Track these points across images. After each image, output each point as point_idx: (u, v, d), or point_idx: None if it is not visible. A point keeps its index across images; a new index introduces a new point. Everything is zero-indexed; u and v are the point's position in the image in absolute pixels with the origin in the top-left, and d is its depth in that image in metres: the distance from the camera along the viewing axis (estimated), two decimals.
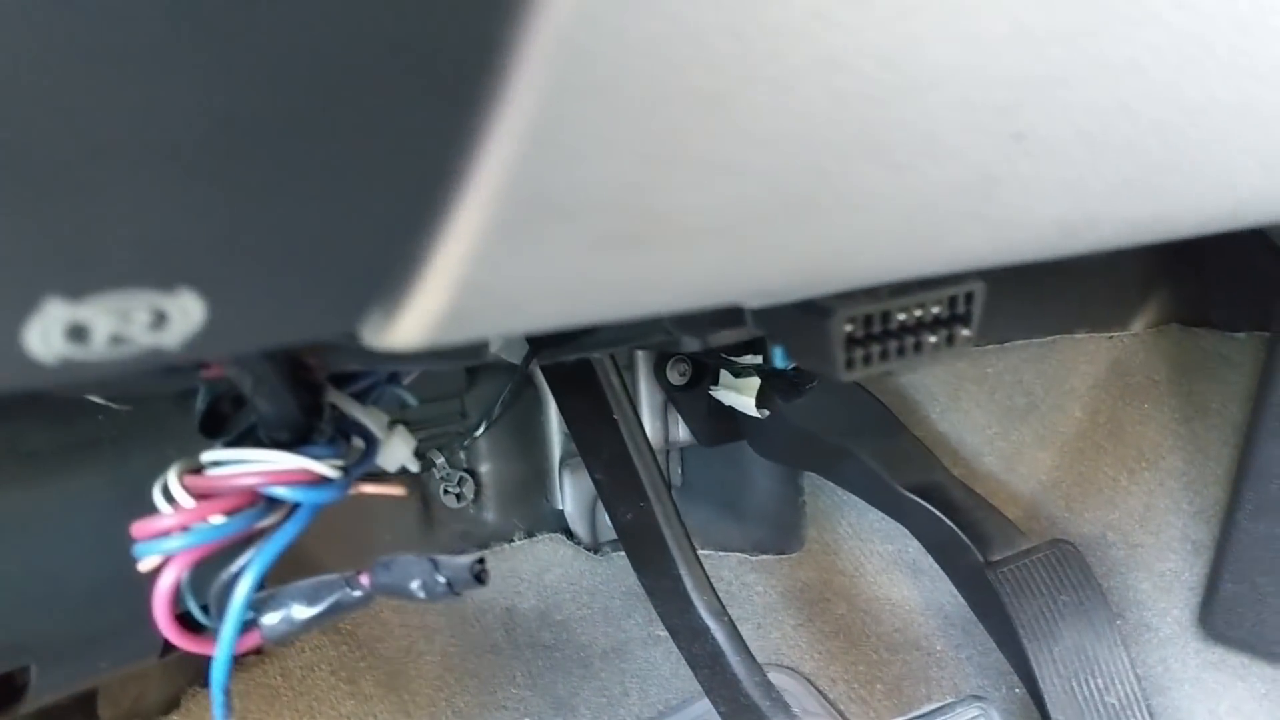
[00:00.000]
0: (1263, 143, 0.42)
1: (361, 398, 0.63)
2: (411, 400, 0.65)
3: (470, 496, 1.29)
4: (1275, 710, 1.17)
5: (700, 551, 1.02)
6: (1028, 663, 1.08)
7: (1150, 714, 1.09)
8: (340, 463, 0.57)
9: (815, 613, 1.30)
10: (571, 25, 0.26)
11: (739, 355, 1.10)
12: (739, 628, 0.99)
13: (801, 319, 0.53)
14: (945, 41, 0.30)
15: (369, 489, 0.61)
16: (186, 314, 0.29)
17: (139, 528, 0.55)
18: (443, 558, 0.61)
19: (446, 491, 1.28)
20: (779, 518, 1.35)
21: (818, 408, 1.18)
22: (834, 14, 0.27)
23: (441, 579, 0.60)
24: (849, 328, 0.52)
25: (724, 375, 1.14)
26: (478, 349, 0.60)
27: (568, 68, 0.26)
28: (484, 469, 1.31)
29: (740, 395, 1.12)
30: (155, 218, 0.25)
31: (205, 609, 0.60)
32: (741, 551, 1.36)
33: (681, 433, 1.28)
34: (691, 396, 1.23)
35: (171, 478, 0.55)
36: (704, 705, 1.08)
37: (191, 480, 0.55)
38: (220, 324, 0.30)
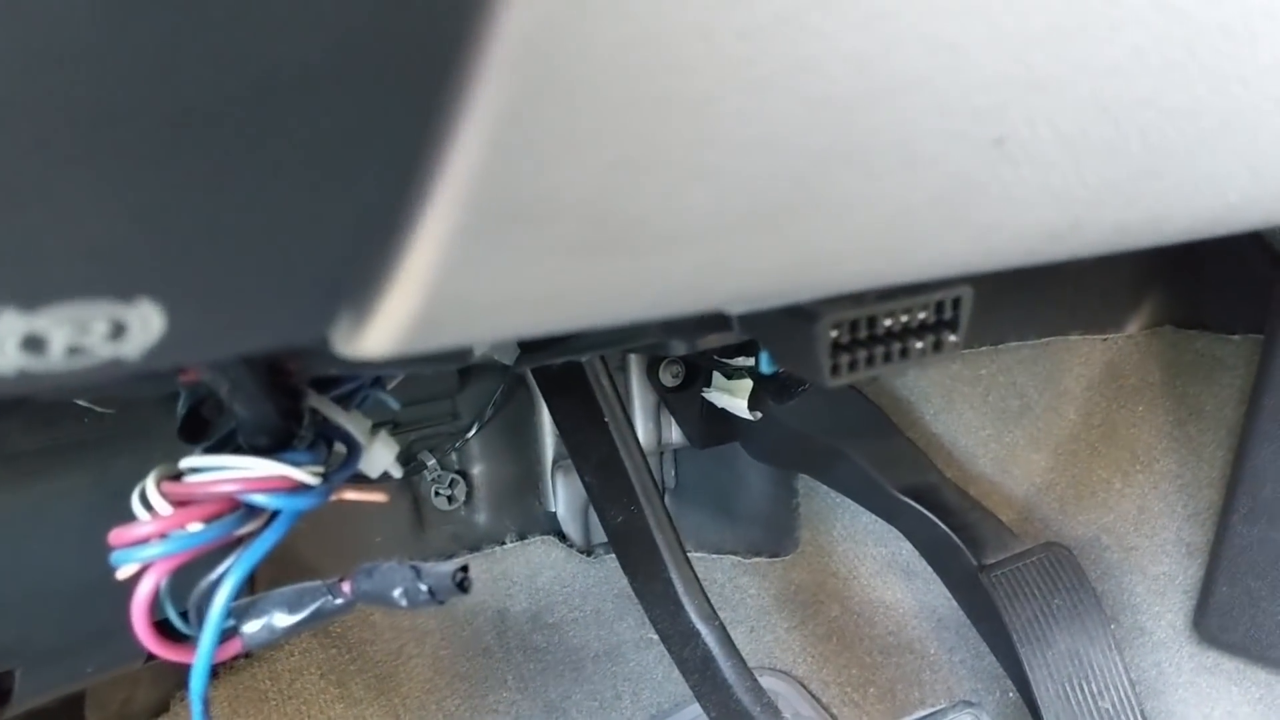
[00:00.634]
0: (1248, 148, 0.41)
1: (344, 403, 0.62)
2: (394, 404, 0.65)
3: (462, 498, 1.29)
4: (1269, 714, 1.16)
5: (693, 554, 1.01)
6: (1021, 667, 1.08)
7: (1144, 718, 1.08)
8: (320, 469, 0.57)
9: (808, 615, 1.30)
10: (536, 28, 0.25)
11: (731, 358, 1.10)
12: (732, 631, 0.99)
13: (787, 324, 0.52)
14: (920, 46, 0.29)
15: (350, 495, 0.60)
16: (146, 324, 0.29)
17: (116, 535, 0.54)
18: (425, 565, 0.61)
19: (438, 493, 1.27)
20: (772, 520, 1.35)
21: (810, 410, 1.18)
22: (804, 17, 0.27)
23: (424, 587, 0.60)
24: (835, 333, 0.52)
25: (717, 377, 1.14)
26: (460, 354, 0.59)
27: (534, 71, 0.25)
28: (476, 470, 1.30)
29: (733, 397, 1.12)
30: (107, 225, 0.25)
31: (185, 616, 0.59)
32: (735, 554, 1.35)
33: (674, 435, 1.27)
34: (684, 398, 1.22)
35: (149, 485, 0.55)
36: (696, 710, 1.08)
37: (170, 487, 0.55)
38: (181, 334, 0.29)
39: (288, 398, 0.56)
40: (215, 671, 1.11)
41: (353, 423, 0.62)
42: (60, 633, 0.86)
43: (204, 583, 0.57)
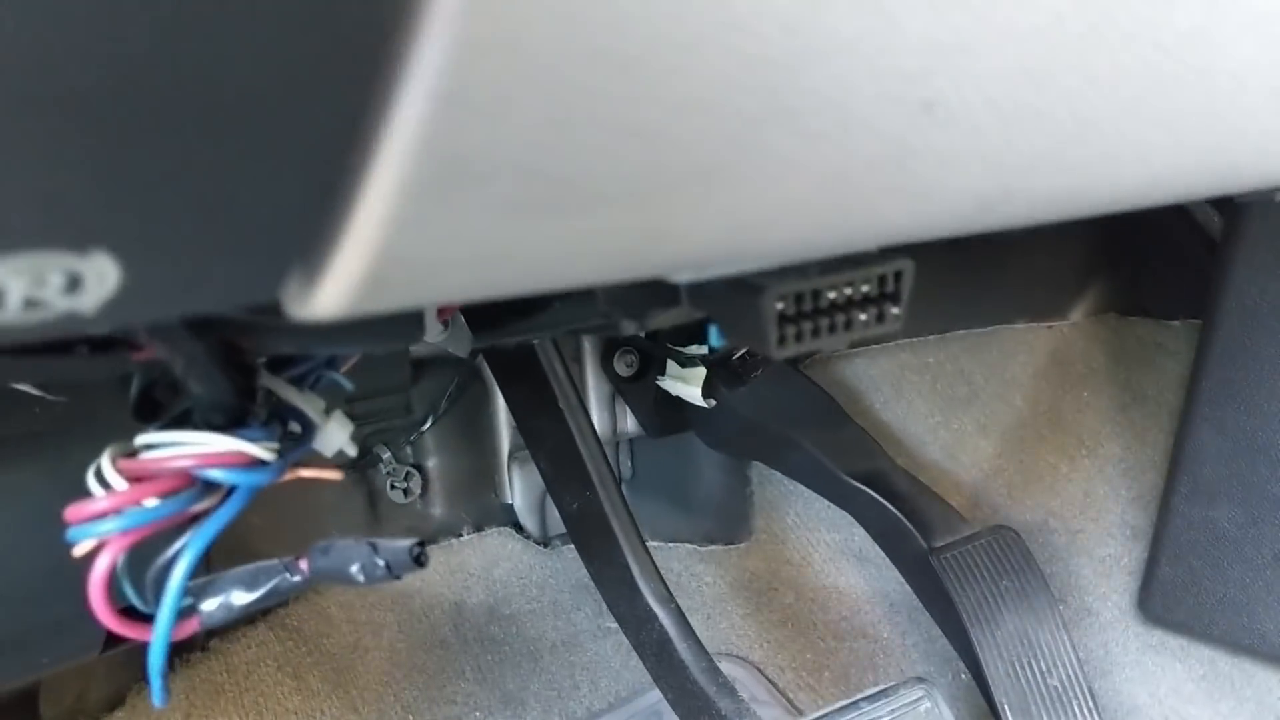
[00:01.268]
0: (1171, 115, 0.43)
1: (298, 384, 0.63)
2: (347, 385, 0.65)
3: (418, 491, 1.29)
4: (1213, 690, 1.19)
5: (650, 543, 1.02)
6: (972, 647, 1.10)
7: (1092, 695, 1.11)
8: (275, 446, 0.57)
9: (763, 602, 1.31)
10: None
11: (684, 345, 1.11)
12: (688, 618, 1.00)
13: (734, 297, 0.53)
14: (848, 6, 0.30)
15: (305, 473, 0.61)
16: (102, 278, 0.29)
17: (72, 511, 0.54)
18: (381, 541, 0.61)
19: (394, 486, 1.27)
20: (727, 508, 1.36)
21: (763, 398, 1.19)
22: None
23: (380, 562, 0.61)
24: (780, 305, 0.53)
25: (671, 366, 1.15)
26: (408, 329, 0.60)
27: (472, 25, 0.26)
28: (431, 464, 1.31)
29: (687, 385, 1.13)
30: (57, 175, 0.26)
31: (143, 597, 0.60)
32: (690, 542, 1.36)
33: (630, 424, 1.28)
34: (639, 388, 1.23)
35: (105, 461, 0.55)
36: (654, 696, 1.09)
37: (126, 464, 0.55)
38: (136, 288, 0.30)
39: (242, 376, 0.57)
40: (171, 664, 1.11)
41: (307, 403, 0.62)
42: (14, 623, 0.86)
43: (161, 559, 0.57)
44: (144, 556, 0.59)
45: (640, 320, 0.65)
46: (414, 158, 0.29)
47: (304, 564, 0.63)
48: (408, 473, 1.28)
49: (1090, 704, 1.10)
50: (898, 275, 0.57)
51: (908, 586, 1.23)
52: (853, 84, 0.33)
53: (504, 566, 1.32)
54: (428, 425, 1.28)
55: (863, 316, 0.56)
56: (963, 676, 1.24)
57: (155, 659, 0.57)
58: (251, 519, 1.22)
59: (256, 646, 1.15)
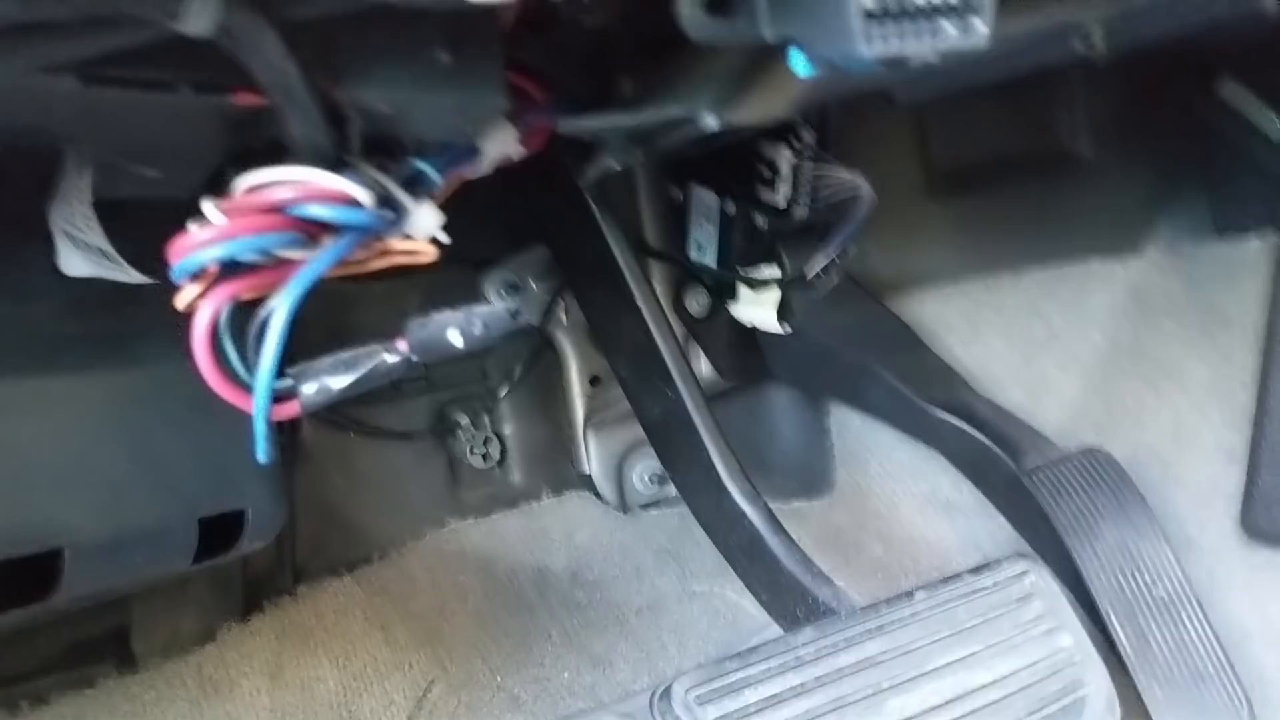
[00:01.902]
0: None
1: (385, 170, 0.63)
2: (435, 176, 0.65)
3: (496, 457, 1.29)
4: None
5: None
6: (1072, 562, 1.06)
7: (1201, 605, 1.06)
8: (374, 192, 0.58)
9: (851, 555, 1.28)
10: None
11: (755, 267, 1.10)
12: None
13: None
14: None
15: (400, 245, 0.61)
16: None
17: (174, 248, 0.55)
18: (477, 306, 0.61)
19: (473, 452, 1.27)
20: (807, 463, 1.34)
21: (840, 326, 1.19)
22: None
23: (478, 322, 0.60)
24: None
25: (743, 292, 1.14)
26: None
27: None
28: (508, 431, 1.31)
29: (760, 310, 1.12)
30: None
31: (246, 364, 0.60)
32: (773, 500, 1.34)
33: (704, 369, 1.27)
34: (711, 328, 1.23)
35: (208, 204, 0.56)
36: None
37: (227, 204, 0.56)
38: None
39: (337, 127, 0.58)
40: (259, 605, 1.10)
41: (398, 189, 0.63)
42: (107, 524, 0.86)
43: (263, 311, 0.58)
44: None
45: (722, 98, 0.65)
46: None
47: (401, 343, 0.63)
48: (486, 438, 1.28)
49: (1201, 614, 1.06)
50: None
51: (999, 536, 1.20)
52: None
53: (585, 532, 1.31)
54: (504, 392, 1.28)
55: (948, 25, 0.56)
56: None
57: (260, 403, 0.57)
58: (335, 479, 1.23)
59: (344, 597, 1.14)
